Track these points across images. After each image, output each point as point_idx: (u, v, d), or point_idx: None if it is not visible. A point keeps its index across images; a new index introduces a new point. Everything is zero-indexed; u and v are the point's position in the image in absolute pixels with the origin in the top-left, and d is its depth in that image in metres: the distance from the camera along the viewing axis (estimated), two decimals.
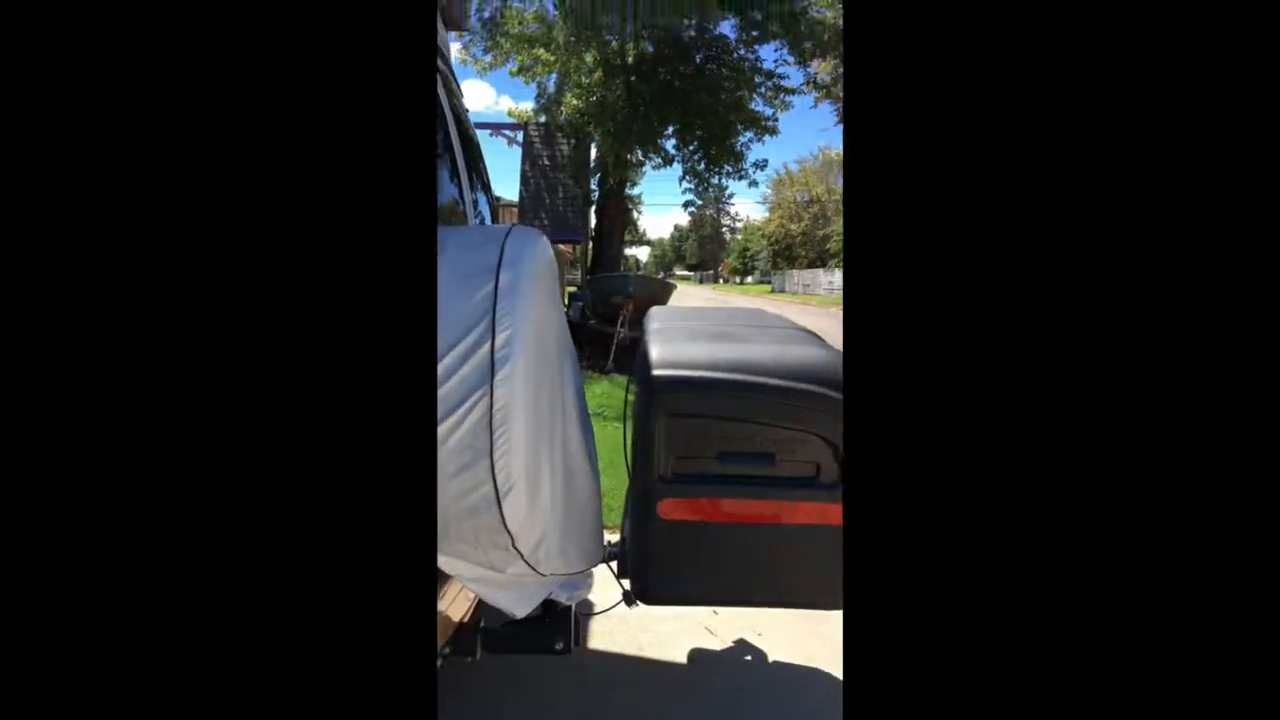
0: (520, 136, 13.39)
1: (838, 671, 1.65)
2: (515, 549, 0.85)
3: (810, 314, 13.53)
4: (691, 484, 1.05)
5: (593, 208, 11.51)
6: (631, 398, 1.14)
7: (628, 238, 15.44)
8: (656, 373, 1.05)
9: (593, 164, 10.66)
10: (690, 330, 1.27)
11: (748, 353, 1.10)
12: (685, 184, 10.04)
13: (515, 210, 12.81)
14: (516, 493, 0.81)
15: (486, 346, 0.80)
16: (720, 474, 1.05)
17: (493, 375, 0.79)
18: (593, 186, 10.80)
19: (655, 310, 1.59)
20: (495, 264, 0.84)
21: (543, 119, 10.70)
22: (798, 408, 1.03)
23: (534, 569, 0.89)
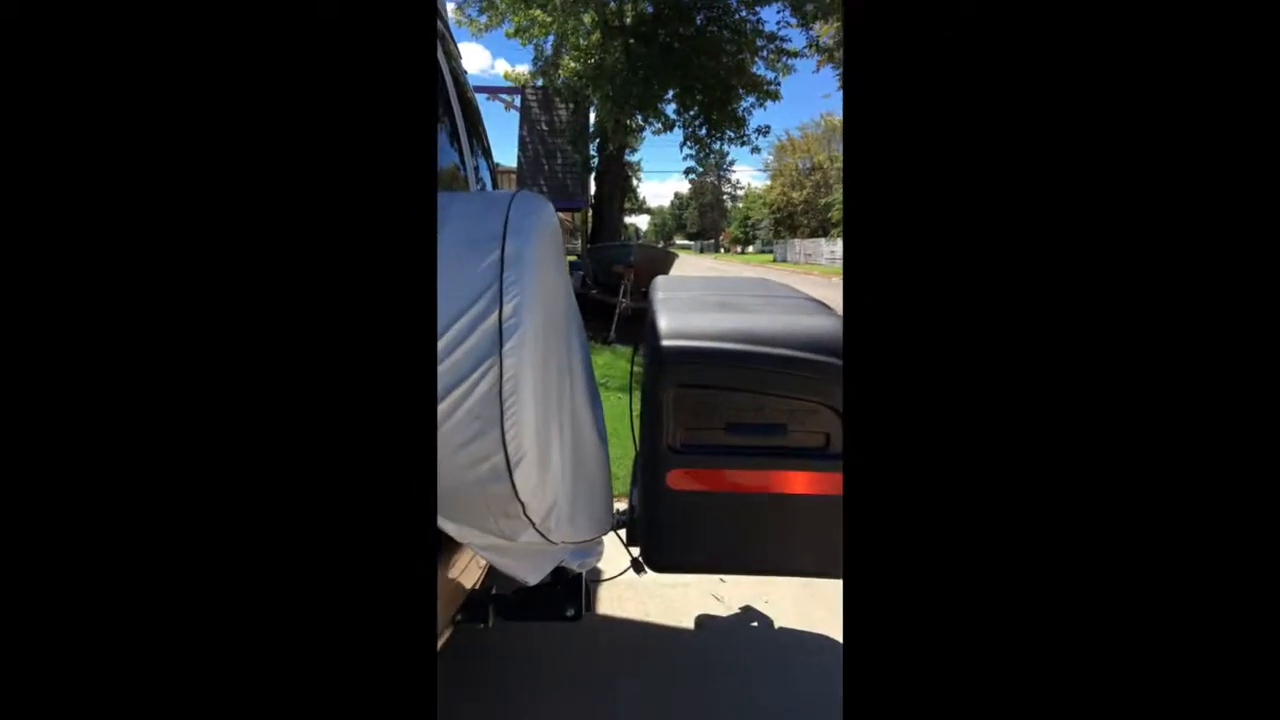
0: (518, 101, 13.11)
1: (841, 637, 1.68)
2: (527, 518, 0.85)
3: (813, 283, 13.47)
4: (700, 454, 1.05)
5: (592, 175, 11.32)
6: (639, 368, 1.13)
7: (628, 205, 15.21)
8: (665, 343, 1.04)
9: (592, 129, 10.43)
10: (698, 300, 1.25)
11: (756, 323, 1.09)
12: (686, 150, 9.84)
13: (514, 176, 12.61)
14: (527, 462, 0.81)
15: (494, 316, 0.78)
16: (729, 444, 1.04)
17: (501, 345, 0.78)
18: (592, 152, 10.58)
19: (661, 280, 1.57)
20: (500, 231, 0.82)
21: (540, 82, 10.45)
22: (807, 378, 1.02)
23: (545, 537, 0.89)
